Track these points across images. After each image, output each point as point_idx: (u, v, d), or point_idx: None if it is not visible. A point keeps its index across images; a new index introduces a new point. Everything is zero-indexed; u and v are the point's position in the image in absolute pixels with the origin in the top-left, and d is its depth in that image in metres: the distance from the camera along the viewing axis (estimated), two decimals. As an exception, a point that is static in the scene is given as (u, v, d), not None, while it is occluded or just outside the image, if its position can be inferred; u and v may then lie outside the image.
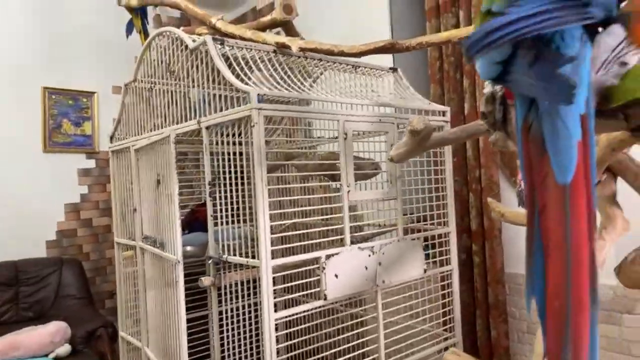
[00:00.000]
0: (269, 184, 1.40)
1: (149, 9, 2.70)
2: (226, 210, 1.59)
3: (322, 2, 3.50)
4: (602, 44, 0.55)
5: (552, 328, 0.48)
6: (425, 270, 1.90)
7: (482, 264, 2.53)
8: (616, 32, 0.55)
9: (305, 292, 1.51)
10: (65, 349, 2.54)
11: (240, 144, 1.58)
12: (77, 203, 3.65)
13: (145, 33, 2.66)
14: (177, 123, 1.79)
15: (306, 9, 3.59)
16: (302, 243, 1.58)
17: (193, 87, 1.79)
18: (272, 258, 1.42)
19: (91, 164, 3.72)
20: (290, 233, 1.55)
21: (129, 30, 2.61)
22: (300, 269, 1.60)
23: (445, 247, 2.00)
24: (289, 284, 1.49)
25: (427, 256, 2.01)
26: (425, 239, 1.98)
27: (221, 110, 1.53)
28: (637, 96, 0.55)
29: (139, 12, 2.51)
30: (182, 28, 1.97)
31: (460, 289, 2.20)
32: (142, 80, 2.05)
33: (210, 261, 1.63)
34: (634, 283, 1.14)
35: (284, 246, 1.46)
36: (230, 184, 1.58)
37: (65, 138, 3.58)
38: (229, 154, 1.58)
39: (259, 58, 1.66)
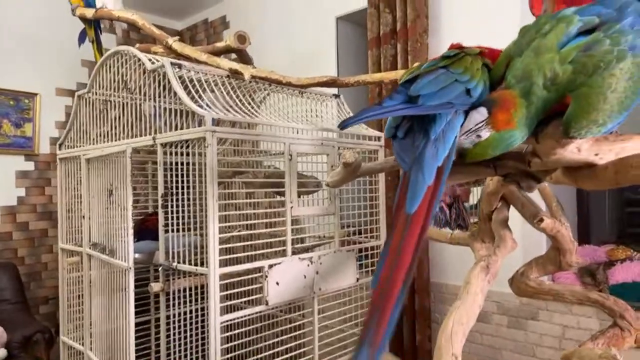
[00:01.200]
0: (219, 198, 1.55)
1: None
2: (177, 219, 1.72)
3: (276, 27, 3.68)
4: (472, 118, 0.77)
5: (371, 307, 0.70)
6: (357, 279, 2.10)
7: (410, 274, 2.79)
8: (482, 112, 0.77)
9: (249, 298, 1.66)
10: (1, 353, 2.52)
11: (193, 154, 1.71)
12: (13, 206, 3.57)
13: (98, 43, 2.71)
14: (131, 135, 1.89)
15: (262, 32, 3.77)
16: (248, 253, 1.73)
17: (147, 101, 1.91)
18: (220, 266, 1.56)
19: (30, 166, 3.65)
20: (237, 244, 1.70)
21: (81, 39, 2.65)
22: (245, 277, 1.75)
23: (377, 259, 2.22)
24: (235, 290, 1.64)
25: (360, 266, 2.23)
26: (360, 251, 2.19)
27: (175, 127, 1.66)
28: (479, 159, 0.78)
29: (93, 23, 2.56)
30: (137, 46, 2.07)
31: (389, 296, 2.43)
32: (95, 93, 2.13)
33: (160, 268, 1.74)
34: (523, 292, 1.40)
35: (231, 256, 1.60)
36: (182, 195, 1.71)
37: (4, 139, 3.50)
38: (182, 164, 1.70)
39: (213, 81, 1.80)
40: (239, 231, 1.67)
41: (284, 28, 3.62)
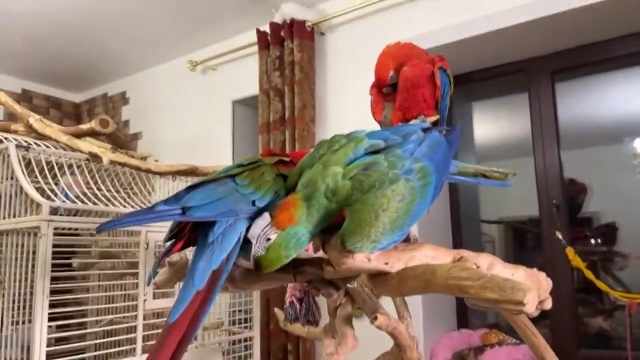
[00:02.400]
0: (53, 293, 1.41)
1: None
2: (12, 312, 1.53)
3: (175, 106, 3.70)
4: (257, 225, 0.77)
5: None
6: (225, 376, 1.97)
7: (295, 363, 2.68)
8: (265, 217, 0.77)
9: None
10: None
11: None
12: None
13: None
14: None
15: (161, 111, 3.76)
16: (91, 354, 1.56)
17: (1, 182, 1.76)
18: (50, 371, 1.39)
19: None
20: (71, 345, 1.53)
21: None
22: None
23: (250, 351, 2.11)
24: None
25: (235, 359, 2.11)
26: (234, 342, 2.08)
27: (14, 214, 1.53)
28: (276, 266, 0.77)
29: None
30: (-4, 123, 1.95)
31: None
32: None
33: (-18, 373, 1.52)
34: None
35: (67, 359, 1.43)
36: (19, 286, 1.54)
37: None
38: (22, 253, 1.55)
39: (71, 164, 1.71)
40: (77, 328, 1.51)
41: (182, 108, 3.63)
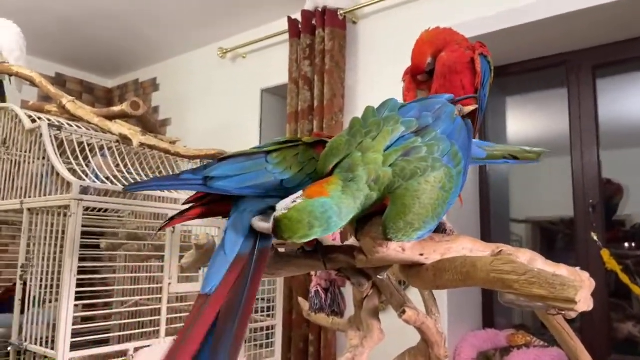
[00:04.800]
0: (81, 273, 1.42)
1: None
2: (38, 292, 1.55)
3: (204, 94, 3.71)
4: (289, 197, 0.72)
5: None
6: (246, 362, 1.96)
7: (316, 353, 2.67)
8: (298, 193, 0.72)
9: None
10: None
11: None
12: None
13: (2, 94, 2.59)
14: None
15: (190, 98, 3.78)
16: (115, 334, 1.57)
17: (33, 161, 1.79)
18: (76, 349, 1.40)
19: None
20: (100, 324, 1.55)
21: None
22: (111, 360, 1.58)
23: (271, 339, 2.10)
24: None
25: (258, 346, 2.10)
26: (256, 330, 2.07)
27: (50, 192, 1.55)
28: (296, 233, 0.69)
29: (-3, 77, 2.45)
30: (31, 103, 1.98)
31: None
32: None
33: (11, 347, 1.55)
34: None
35: (88, 338, 1.44)
36: (46, 267, 1.55)
37: None
38: (51, 232, 1.56)
39: (102, 146, 1.72)
40: (103, 308, 1.52)
41: (211, 95, 3.64)
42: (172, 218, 0.84)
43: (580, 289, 0.57)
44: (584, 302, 0.57)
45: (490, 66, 1.21)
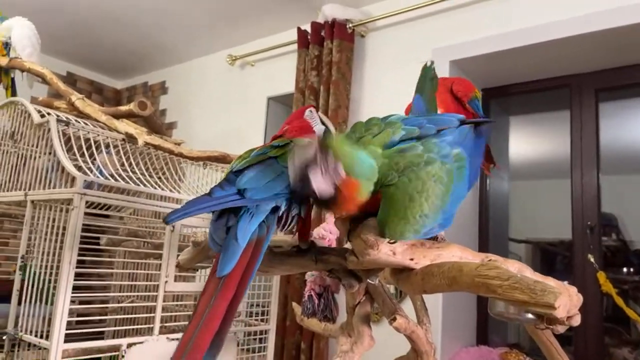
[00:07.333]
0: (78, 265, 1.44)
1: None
2: (37, 283, 1.57)
3: (211, 100, 3.76)
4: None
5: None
6: (237, 366, 1.97)
7: (307, 362, 2.67)
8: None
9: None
10: None
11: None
12: None
13: (13, 91, 2.64)
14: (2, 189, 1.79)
15: (198, 103, 3.83)
16: (110, 329, 1.59)
17: (40, 156, 1.82)
18: (69, 341, 1.42)
19: None
20: (92, 317, 1.56)
21: (-7, 85, 2.57)
22: (103, 354, 1.59)
23: (264, 344, 2.11)
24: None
25: (248, 350, 2.11)
26: (249, 334, 2.08)
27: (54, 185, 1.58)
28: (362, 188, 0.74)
29: (8, 71, 2.50)
30: (40, 99, 2.02)
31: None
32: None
33: (6, 336, 1.56)
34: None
35: (82, 330, 1.46)
36: (47, 260, 1.58)
37: None
38: (53, 226, 1.59)
39: (108, 143, 1.76)
40: (100, 302, 1.54)
41: (218, 101, 3.69)
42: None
43: (560, 294, 0.59)
44: (564, 308, 0.59)
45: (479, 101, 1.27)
